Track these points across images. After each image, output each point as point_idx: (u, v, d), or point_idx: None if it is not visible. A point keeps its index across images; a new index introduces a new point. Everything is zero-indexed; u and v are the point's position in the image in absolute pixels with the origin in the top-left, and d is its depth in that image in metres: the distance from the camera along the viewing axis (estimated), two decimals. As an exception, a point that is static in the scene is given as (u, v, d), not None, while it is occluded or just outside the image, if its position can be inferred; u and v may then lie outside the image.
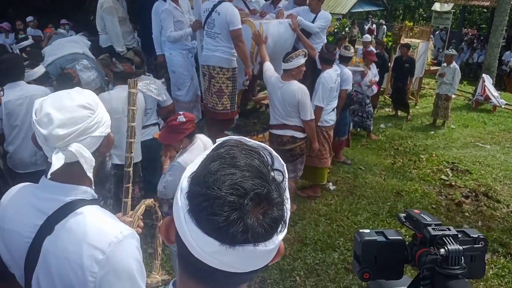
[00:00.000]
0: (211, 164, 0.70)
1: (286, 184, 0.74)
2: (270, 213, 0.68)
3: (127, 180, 1.85)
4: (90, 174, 1.21)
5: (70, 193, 1.23)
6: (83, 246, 1.15)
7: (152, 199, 1.92)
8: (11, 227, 1.24)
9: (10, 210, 1.27)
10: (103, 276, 1.14)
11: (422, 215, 1.10)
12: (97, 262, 1.14)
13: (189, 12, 4.96)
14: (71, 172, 1.22)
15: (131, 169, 1.85)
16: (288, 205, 0.73)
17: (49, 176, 1.19)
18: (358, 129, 7.69)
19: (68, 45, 4.66)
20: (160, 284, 2.00)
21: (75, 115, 1.18)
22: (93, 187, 1.30)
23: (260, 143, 0.78)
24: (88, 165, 1.19)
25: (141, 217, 1.80)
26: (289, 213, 0.73)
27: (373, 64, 7.47)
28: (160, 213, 2.01)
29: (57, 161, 1.15)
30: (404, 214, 1.16)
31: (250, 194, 0.66)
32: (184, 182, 0.71)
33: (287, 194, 0.73)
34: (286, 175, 0.75)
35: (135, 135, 1.88)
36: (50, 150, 1.18)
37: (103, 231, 1.18)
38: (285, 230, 0.72)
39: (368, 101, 7.41)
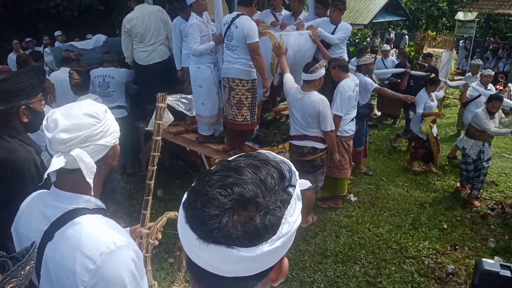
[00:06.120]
0: (216, 167, 0.74)
1: (295, 201, 0.73)
2: (253, 219, 0.67)
3: (147, 192, 1.89)
4: (90, 180, 1.22)
5: (73, 201, 1.27)
6: (76, 254, 1.17)
7: (175, 212, 1.94)
8: (24, 231, 1.32)
9: (24, 215, 1.35)
10: (93, 286, 1.15)
11: None
12: (88, 271, 1.15)
13: (208, 22, 4.98)
14: (76, 181, 1.26)
15: (152, 182, 1.88)
16: (288, 220, 0.70)
17: (45, 176, 1.23)
18: None
19: None
20: None
21: (80, 121, 1.22)
22: (92, 195, 1.31)
23: (283, 158, 0.78)
24: (88, 170, 1.22)
25: (161, 229, 1.83)
26: (286, 228, 0.70)
27: None
28: None
29: (56, 163, 1.19)
30: None
31: (234, 195, 0.67)
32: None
33: (292, 210, 0.72)
34: (298, 192, 0.75)
35: (159, 149, 1.91)
36: (54, 154, 1.22)
37: (96, 240, 1.19)
38: (276, 245, 0.69)
39: None
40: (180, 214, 0.72)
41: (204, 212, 0.68)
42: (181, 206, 0.73)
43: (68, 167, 1.21)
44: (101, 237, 1.20)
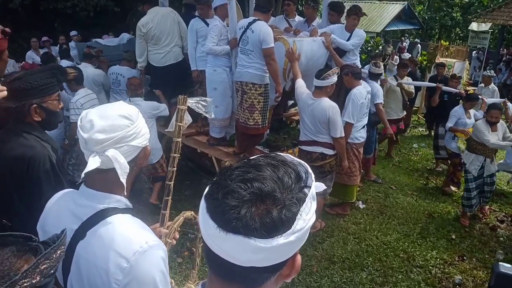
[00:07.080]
0: (237, 163, 0.79)
1: (310, 200, 0.76)
2: (270, 212, 0.71)
3: (167, 193, 1.93)
4: (123, 180, 1.26)
5: (104, 201, 1.30)
6: (109, 253, 1.20)
7: (192, 212, 1.97)
8: (52, 230, 1.32)
9: (52, 214, 1.37)
10: (126, 284, 1.18)
11: None
12: (122, 270, 1.18)
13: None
14: (107, 180, 1.29)
15: (172, 182, 1.92)
16: (303, 217, 0.74)
17: (83, 175, 1.26)
18: None
19: None
20: None
21: (115, 123, 1.25)
22: (124, 195, 1.35)
23: (301, 161, 0.82)
24: (122, 171, 1.25)
25: (178, 228, 1.86)
26: (301, 224, 0.73)
27: None
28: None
29: (93, 163, 1.22)
30: None
31: (253, 189, 0.72)
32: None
33: (306, 208, 0.75)
34: (313, 192, 0.78)
35: (179, 151, 1.96)
36: (89, 154, 1.26)
37: (129, 240, 1.22)
38: (291, 239, 0.72)
39: None
40: (201, 205, 0.76)
41: (224, 202, 0.72)
42: (202, 198, 0.77)
43: (102, 167, 1.25)
44: (134, 237, 1.23)
